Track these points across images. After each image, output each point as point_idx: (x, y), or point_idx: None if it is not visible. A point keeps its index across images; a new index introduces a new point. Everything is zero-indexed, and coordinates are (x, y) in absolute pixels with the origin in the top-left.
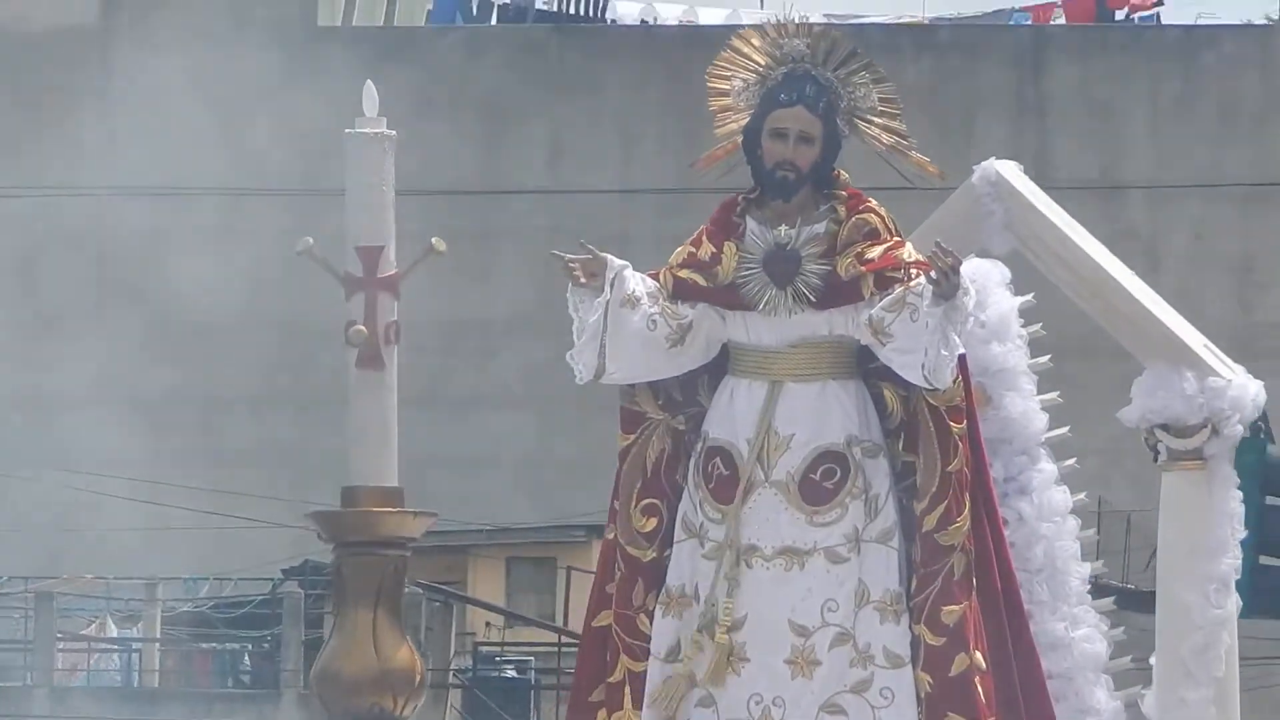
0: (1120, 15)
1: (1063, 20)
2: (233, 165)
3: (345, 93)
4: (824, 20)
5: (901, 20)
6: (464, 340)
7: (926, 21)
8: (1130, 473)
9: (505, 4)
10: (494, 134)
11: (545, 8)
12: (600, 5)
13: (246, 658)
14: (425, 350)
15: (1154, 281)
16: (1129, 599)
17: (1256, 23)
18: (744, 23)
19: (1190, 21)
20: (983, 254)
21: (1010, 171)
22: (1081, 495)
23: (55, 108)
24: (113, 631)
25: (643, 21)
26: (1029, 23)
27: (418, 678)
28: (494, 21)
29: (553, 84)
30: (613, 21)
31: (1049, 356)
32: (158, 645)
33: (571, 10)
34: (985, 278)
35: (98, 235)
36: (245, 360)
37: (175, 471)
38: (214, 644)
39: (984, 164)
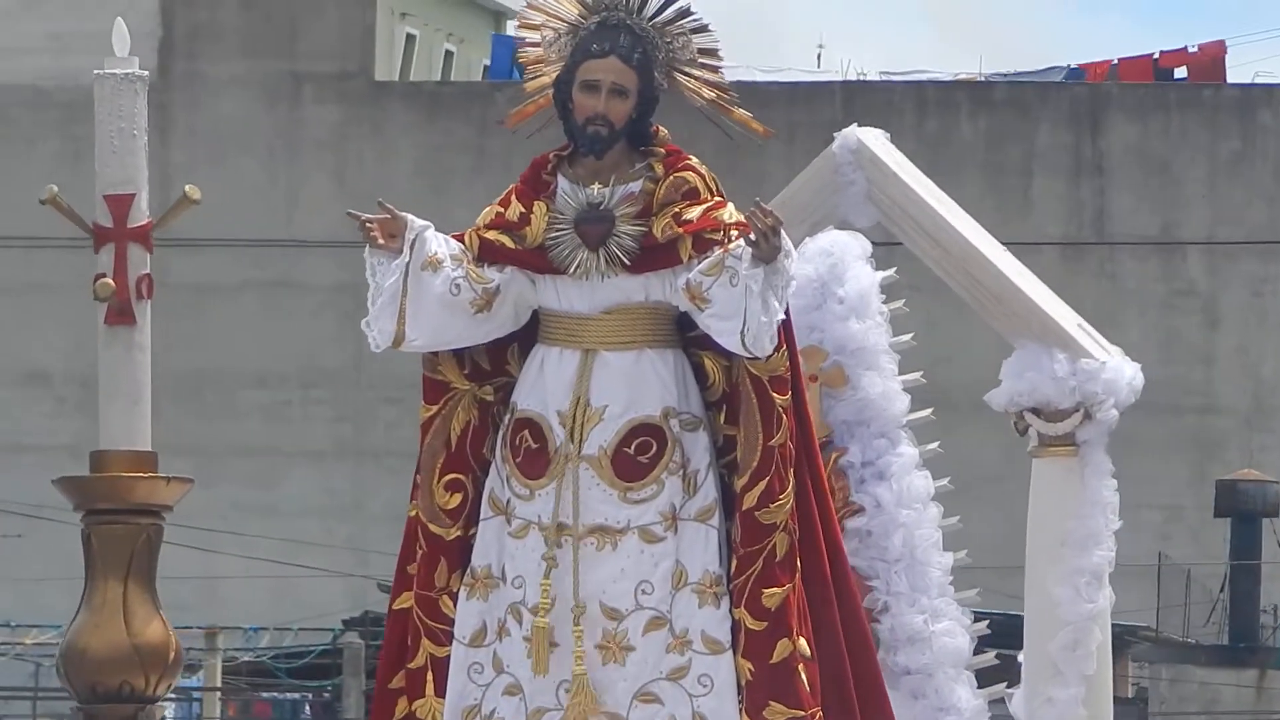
0: (1179, 74)
1: (1118, 78)
2: (288, 217)
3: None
4: (880, 78)
5: (959, 77)
6: None
7: (983, 78)
8: (1190, 528)
9: None
10: None
11: None
12: None
13: (307, 708)
14: None
15: (1212, 338)
16: (1191, 653)
17: None
18: None
19: (1248, 80)
20: (843, 226)
21: (873, 139)
22: (944, 480)
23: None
24: None
25: None
26: (1084, 80)
27: (172, 654)
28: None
29: None
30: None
31: (912, 335)
32: (218, 695)
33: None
34: (845, 251)
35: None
36: (305, 412)
37: (233, 521)
38: (274, 694)
39: (844, 130)
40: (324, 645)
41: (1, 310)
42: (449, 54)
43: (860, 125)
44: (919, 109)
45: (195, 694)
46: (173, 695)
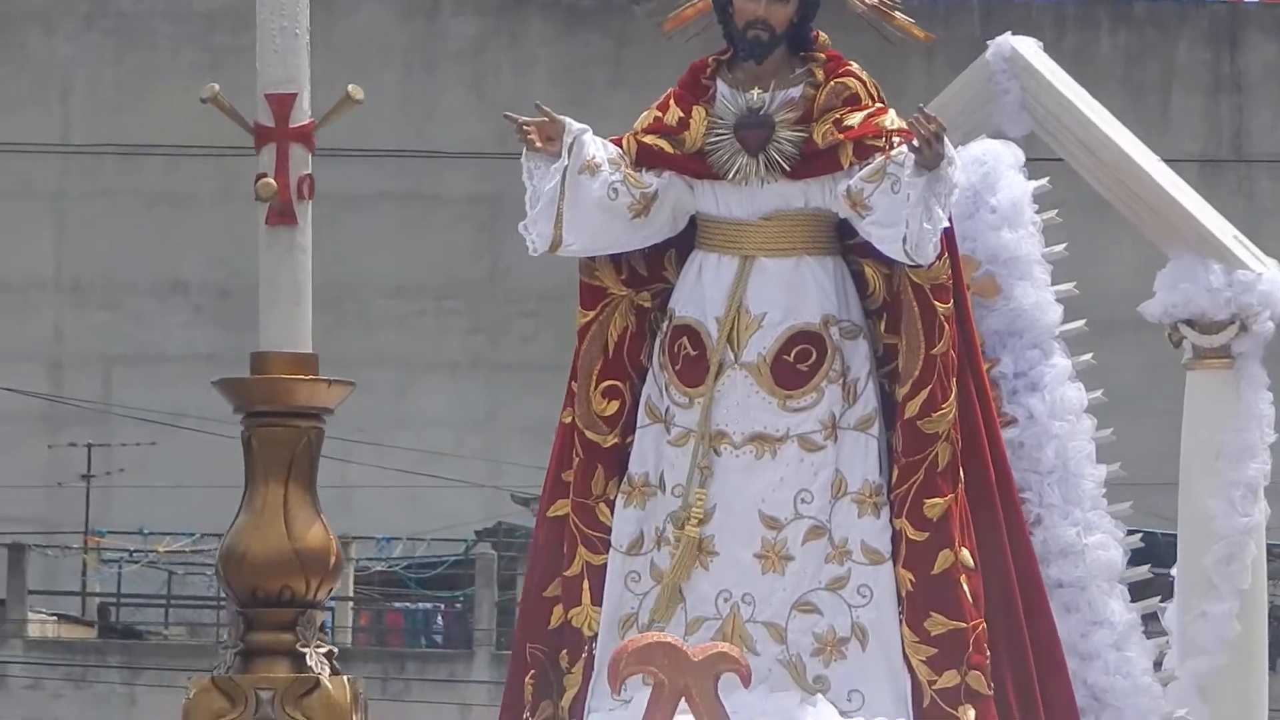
0: None
1: None
2: (425, 130)
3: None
4: None
5: None
6: None
7: None
8: None
9: None
10: None
11: None
12: None
13: (439, 618)
14: None
15: None
16: None
17: None
18: None
19: None
20: (996, 136)
21: (1028, 48)
22: (1097, 392)
23: (240, 68)
24: None
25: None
26: None
27: (332, 559)
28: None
29: None
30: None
31: (1064, 245)
32: (350, 604)
33: None
34: (997, 160)
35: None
36: (440, 324)
37: (368, 432)
38: (406, 604)
39: (998, 39)
40: (456, 556)
41: (142, 220)
42: None
43: None
44: (1058, 25)
45: (327, 603)
46: None
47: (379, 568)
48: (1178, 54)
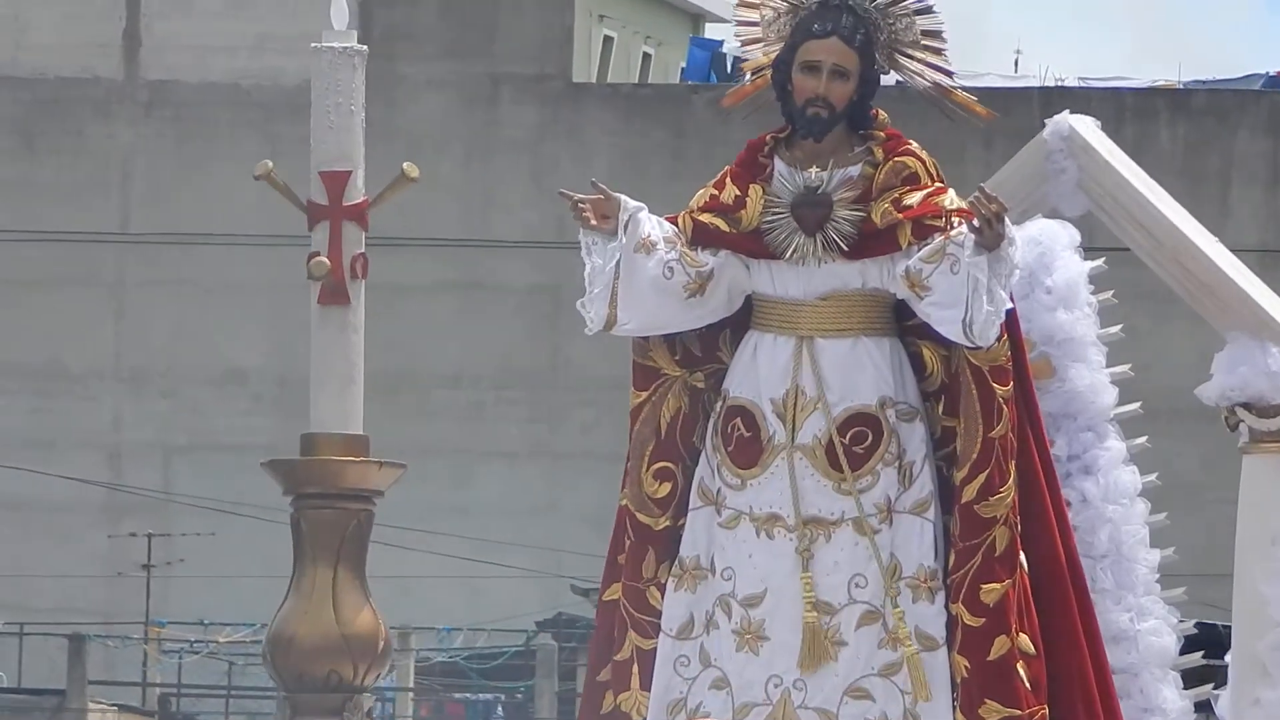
0: None
1: None
2: (484, 218)
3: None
4: (1080, 83)
5: (1157, 84)
6: None
7: (1181, 86)
8: None
9: None
10: None
11: None
12: None
13: (500, 709)
14: None
15: None
16: None
17: None
18: None
19: None
20: (1052, 215)
21: (1085, 127)
22: (1152, 476)
23: (299, 155)
24: None
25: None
26: None
27: (381, 644)
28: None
29: None
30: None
31: (1120, 326)
32: (411, 694)
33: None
34: (1053, 240)
35: None
36: (499, 413)
37: (427, 521)
38: (467, 694)
39: (1056, 117)
40: (517, 646)
41: (199, 309)
42: (646, 56)
43: None
44: (1117, 116)
45: (388, 694)
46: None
47: (439, 658)
48: (1236, 144)
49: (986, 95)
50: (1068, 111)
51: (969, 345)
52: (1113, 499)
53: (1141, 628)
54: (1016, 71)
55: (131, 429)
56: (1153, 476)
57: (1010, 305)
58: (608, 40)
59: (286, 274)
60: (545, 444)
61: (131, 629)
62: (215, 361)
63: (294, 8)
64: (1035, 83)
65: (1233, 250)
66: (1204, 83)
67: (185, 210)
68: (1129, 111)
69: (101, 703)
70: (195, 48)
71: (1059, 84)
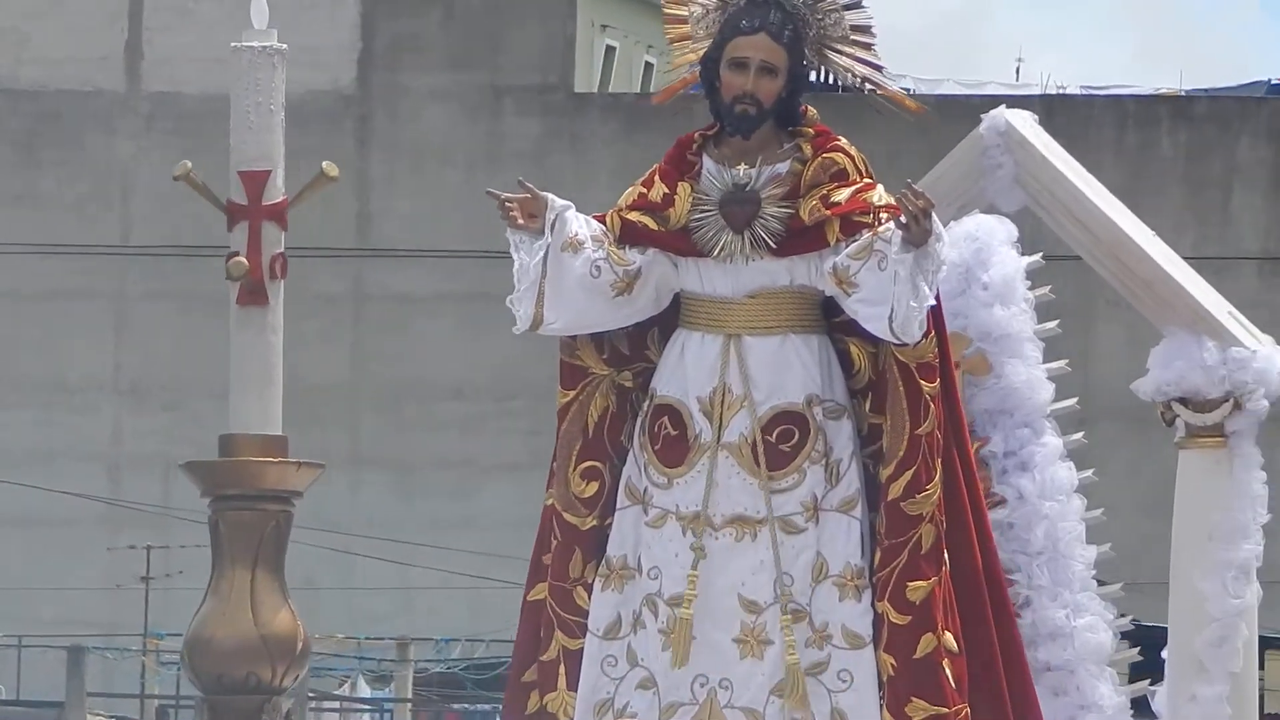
0: None
1: None
2: (487, 229)
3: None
4: (1082, 91)
5: (1159, 92)
6: None
7: (1183, 93)
8: None
9: None
10: None
11: None
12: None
13: (497, 719)
14: None
15: None
16: None
17: None
18: None
19: None
20: (990, 211)
21: (1022, 122)
22: (1088, 472)
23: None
24: (364, 691)
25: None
26: None
27: (299, 645)
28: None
29: None
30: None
31: (1057, 322)
32: (409, 705)
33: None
34: (990, 235)
35: (352, 297)
36: (501, 425)
37: (428, 534)
38: (464, 705)
39: (992, 112)
40: None
41: (201, 321)
42: (649, 66)
43: (1059, 139)
44: (1119, 123)
45: (386, 704)
46: (365, 706)
47: (437, 669)
48: (1239, 151)
49: (987, 103)
50: (1004, 107)
51: (895, 341)
52: (1049, 495)
53: (1077, 624)
54: (1018, 79)
55: (131, 441)
56: (1089, 472)
57: (934, 302)
58: (610, 50)
59: (289, 287)
60: (548, 456)
61: (130, 641)
62: (216, 375)
63: (294, 22)
64: (1037, 90)
65: (1234, 257)
66: (1206, 90)
67: (187, 223)
68: (1131, 119)
69: (100, 715)
70: (197, 60)
71: (1061, 91)
